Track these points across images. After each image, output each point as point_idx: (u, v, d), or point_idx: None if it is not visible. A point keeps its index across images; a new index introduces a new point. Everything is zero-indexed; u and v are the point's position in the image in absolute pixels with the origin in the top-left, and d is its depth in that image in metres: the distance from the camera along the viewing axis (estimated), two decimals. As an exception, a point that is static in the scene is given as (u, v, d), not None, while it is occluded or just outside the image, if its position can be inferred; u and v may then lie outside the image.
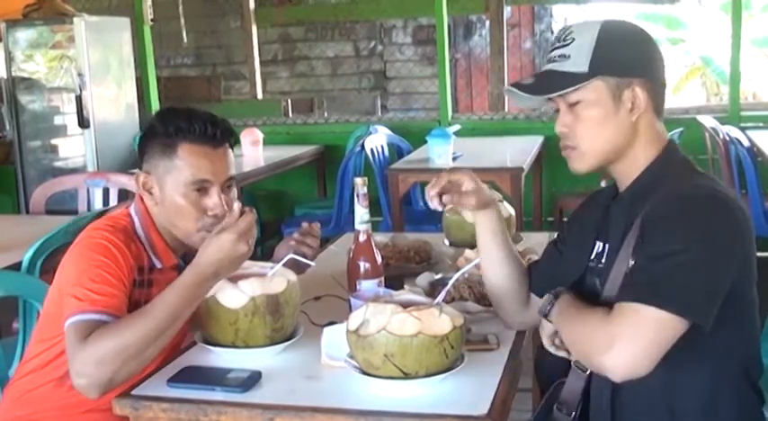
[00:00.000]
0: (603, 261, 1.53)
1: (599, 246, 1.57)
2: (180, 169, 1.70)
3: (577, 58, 1.46)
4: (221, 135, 1.73)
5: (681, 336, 1.31)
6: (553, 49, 1.51)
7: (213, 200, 1.72)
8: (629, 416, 1.45)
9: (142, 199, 1.78)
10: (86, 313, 1.56)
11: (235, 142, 1.79)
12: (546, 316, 1.52)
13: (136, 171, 1.80)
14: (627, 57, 1.47)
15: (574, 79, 1.46)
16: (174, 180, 1.71)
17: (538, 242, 2.38)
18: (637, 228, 1.43)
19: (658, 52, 1.52)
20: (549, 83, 1.49)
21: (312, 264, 1.86)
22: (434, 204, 1.67)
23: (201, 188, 1.71)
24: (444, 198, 1.65)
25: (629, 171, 1.52)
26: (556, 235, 1.79)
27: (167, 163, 1.71)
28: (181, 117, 1.71)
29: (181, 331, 1.66)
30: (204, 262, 1.56)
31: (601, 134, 1.48)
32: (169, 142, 1.71)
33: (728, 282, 1.35)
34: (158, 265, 1.75)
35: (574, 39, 1.48)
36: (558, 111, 1.52)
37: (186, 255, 1.81)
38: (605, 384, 1.44)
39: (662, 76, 1.51)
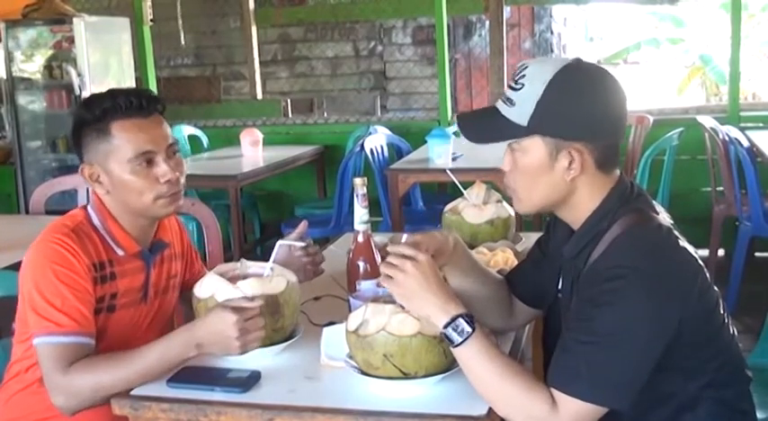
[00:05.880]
0: (563, 296, 1.57)
1: (561, 280, 1.59)
2: (119, 148, 1.70)
3: (520, 109, 1.42)
4: (148, 103, 1.73)
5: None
6: (509, 84, 1.47)
7: (162, 168, 1.72)
8: None
9: (96, 192, 1.78)
10: (55, 335, 1.62)
11: (163, 109, 1.77)
12: (454, 344, 1.40)
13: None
14: (569, 119, 1.41)
15: (511, 130, 1.43)
16: (118, 160, 1.71)
17: (537, 242, 2.38)
18: (576, 289, 1.46)
19: (613, 109, 1.44)
20: (488, 126, 1.47)
21: (304, 244, 1.88)
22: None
23: (147, 160, 1.71)
24: None
25: (575, 219, 1.50)
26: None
27: (105, 146, 1.71)
28: (104, 99, 1.72)
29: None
30: (199, 328, 1.57)
31: (535, 186, 1.46)
32: (101, 126, 1.70)
33: (654, 357, 1.36)
34: (120, 253, 1.76)
35: (524, 85, 1.42)
36: None
37: (153, 245, 1.83)
38: None
39: (612, 136, 1.46)
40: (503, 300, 1.70)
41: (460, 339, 1.38)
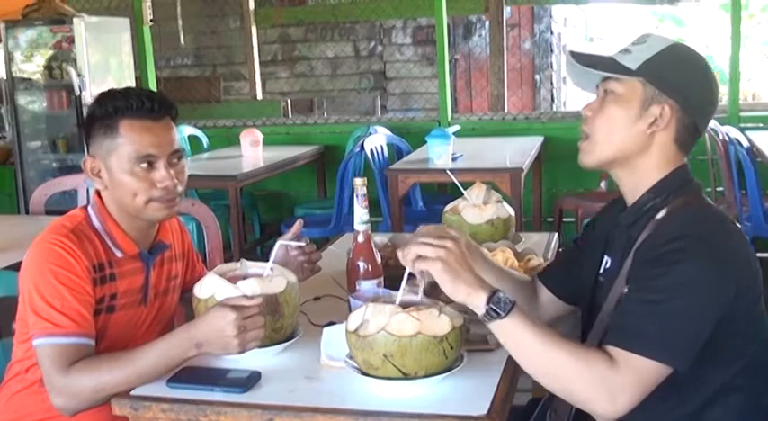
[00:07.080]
0: (605, 279, 1.57)
1: (606, 261, 1.60)
2: (123, 146, 1.70)
3: (635, 56, 1.50)
4: (160, 107, 1.72)
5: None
6: (631, 42, 1.54)
7: (161, 173, 1.72)
8: None
9: (98, 192, 1.78)
10: (54, 336, 1.61)
11: (176, 114, 1.77)
12: (501, 316, 1.39)
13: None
14: (674, 78, 1.48)
15: (618, 69, 1.49)
16: (119, 158, 1.71)
17: (537, 242, 2.39)
18: (631, 256, 1.46)
19: (710, 97, 1.52)
20: (596, 63, 1.52)
21: (302, 244, 1.88)
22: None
23: (148, 163, 1.71)
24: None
25: (634, 187, 1.53)
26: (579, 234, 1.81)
27: (110, 143, 1.71)
28: (118, 96, 1.72)
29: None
30: (198, 327, 1.56)
31: (615, 132, 1.50)
32: (110, 122, 1.71)
33: (713, 322, 1.37)
34: (119, 254, 1.76)
35: (646, 42, 1.51)
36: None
37: (153, 246, 1.83)
38: None
39: (699, 117, 1.51)
40: (526, 299, 1.72)
41: (505, 310, 1.38)
